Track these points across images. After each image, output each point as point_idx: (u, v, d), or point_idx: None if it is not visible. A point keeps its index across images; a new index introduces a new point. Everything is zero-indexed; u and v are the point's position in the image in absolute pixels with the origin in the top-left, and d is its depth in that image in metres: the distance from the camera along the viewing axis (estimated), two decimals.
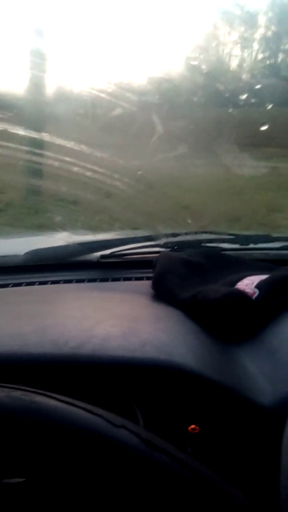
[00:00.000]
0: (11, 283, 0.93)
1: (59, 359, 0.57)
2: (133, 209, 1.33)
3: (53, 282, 0.94)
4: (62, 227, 1.30)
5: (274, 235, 1.10)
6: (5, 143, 1.22)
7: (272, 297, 0.74)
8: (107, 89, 1.46)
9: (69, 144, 1.23)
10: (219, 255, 0.99)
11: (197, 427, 0.57)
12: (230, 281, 0.82)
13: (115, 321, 0.68)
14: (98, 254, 1.02)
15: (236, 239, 1.07)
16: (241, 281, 0.80)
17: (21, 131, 1.23)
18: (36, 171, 1.53)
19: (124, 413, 0.57)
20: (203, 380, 0.57)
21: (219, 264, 0.94)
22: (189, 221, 1.35)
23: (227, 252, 1.02)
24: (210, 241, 1.07)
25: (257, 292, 0.75)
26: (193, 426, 0.57)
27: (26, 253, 1.00)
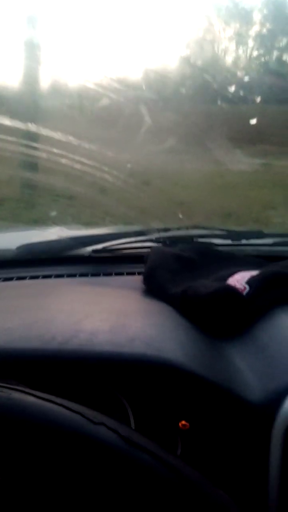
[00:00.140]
0: (2, 277, 0.92)
1: (46, 354, 0.56)
2: (127, 204, 1.33)
3: (44, 277, 0.93)
4: (57, 221, 1.29)
5: (267, 231, 1.10)
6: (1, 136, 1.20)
7: (262, 293, 0.74)
8: (102, 82, 1.44)
9: (65, 138, 1.22)
10: (211, 250, 0.99)
11: (188, 423, 0.57)
12: (221, 276, 0.82)
13: (104, 315, 0.67)
14: (90, 248, 1.01)
15: (228, 234, 1.07)
16: (232, 276, 0.80)
17: (16, 124, 1.22)
18: (32, 165, 1.52)
19: (114, 409, 0.57)
20: (192, 376, 0.57)
21: (211, 259, 0.94)
22: (181, 217, 1.35)
23: (219, 248, 1.02)
24: (202, 236, 1.06)
25: (247, 288, 0.74)
26: (183, 422, 0.57)
27: (18, 247, 0.99)
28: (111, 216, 1.37)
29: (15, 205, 2.70)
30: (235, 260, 0.94)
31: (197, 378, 0.56)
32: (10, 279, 0.92)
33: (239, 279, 0.77)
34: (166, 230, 1.07)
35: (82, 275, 0.95)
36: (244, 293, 0.73)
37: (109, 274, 0.96)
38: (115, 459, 0.33)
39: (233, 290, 0.73)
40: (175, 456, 0.35)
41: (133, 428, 0.55)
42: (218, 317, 0.70)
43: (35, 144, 1.28)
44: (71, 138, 1.21)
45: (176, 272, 0.86)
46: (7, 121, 1.19)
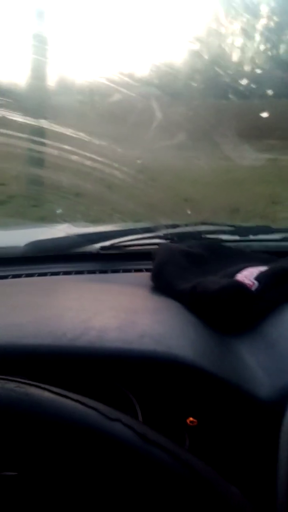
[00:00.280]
0: (11, 275, 0.93)
1: (57, 351, 0.57)
2: (135, 200, 1.33)
3: (53, 274, 0.94)
4: (64, 219, 1.29)
5: (274, 226, 1.09)
6: (6, 131, 1.20)
7: (271, 288, 0.73)
8: (111, 77, 1.44)
9: (74, 134, 1.22)
10: (218, 246, 0.99)
11: (195, 420, 0.57)
12: (230, 272, 0.81)
13: (113, 312, 0.67)
14: (98, 245, 1.01)
15: (236, 230, 1.07)
16: (241, 272, 0.79)
17: (25, 120, 1.22)
18: (39, 162, 1.52)
19: (122, 406, 0.57)
20: (201, 372, 0.57)
21: (219, 255, 0.94)
22: (189, 212, 1.34)
23: (227, 244, 1.01)
24: (210, 232, 1.06)
25: (256, 283, 0.74)
26: (191, 418, 0.57)
27: (26, 245, 0.99)
28: (119, 213, 1.37)
29: (22, 202, 2.70)
30: (244, 256, 0.94)
31: (206, 374, 0.57)
32: (19, 276, 0.93)
33: (248, 275, 0.77)
34: (174, 226, 1.07)
35: (90, 272, 0.96)
36: (253, 288, 0.73)
37: (117, 271, 0.96)
38: (131, 456, 0.33)
39: (242, 286, 0.73)
40: (191, 455, 0.35)
41: None
42: (227, 313, 0.70)
43: (42, 140, 1.27)
44: (80, 134, 1.21)
45: (185, 268, 0.86)
46: (15, 117, 1.19)
